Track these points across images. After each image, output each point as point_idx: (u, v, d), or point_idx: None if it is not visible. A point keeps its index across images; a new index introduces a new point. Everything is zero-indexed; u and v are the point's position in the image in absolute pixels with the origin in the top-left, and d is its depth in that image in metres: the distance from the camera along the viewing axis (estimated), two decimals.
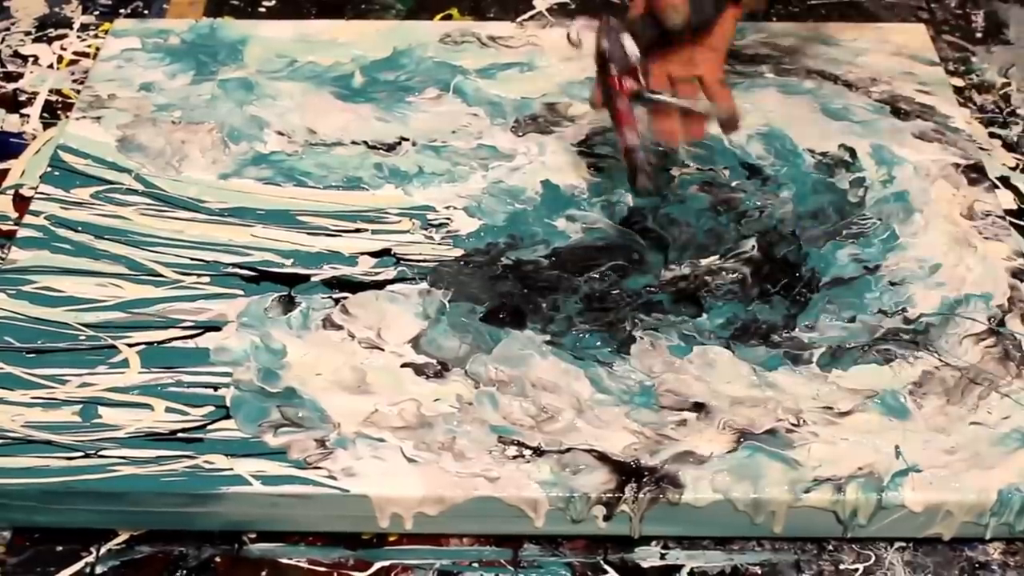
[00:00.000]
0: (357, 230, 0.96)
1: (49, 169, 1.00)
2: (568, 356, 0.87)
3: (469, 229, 0.96)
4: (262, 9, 1.22)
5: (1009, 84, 1.13)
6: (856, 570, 0.79)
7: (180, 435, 0.81)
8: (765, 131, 1.04)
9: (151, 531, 0.80)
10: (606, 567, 0.79)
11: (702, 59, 0.94)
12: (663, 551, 0.80)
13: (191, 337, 0.88)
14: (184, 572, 0.79)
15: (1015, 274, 0.92)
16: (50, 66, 1.15)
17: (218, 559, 0.80)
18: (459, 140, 1.04)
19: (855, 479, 0.79)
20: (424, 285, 0.92)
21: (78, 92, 1.09)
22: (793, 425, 0.82)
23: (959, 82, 1.13)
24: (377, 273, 0.93)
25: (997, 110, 1.10)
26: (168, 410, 0.83)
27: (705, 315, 0.90)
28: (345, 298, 0.90)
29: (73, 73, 1.13)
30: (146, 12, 1.22)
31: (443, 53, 1.12)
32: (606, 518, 0.79)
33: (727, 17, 0.94)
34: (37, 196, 0.98)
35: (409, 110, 1.07)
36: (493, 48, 1.13)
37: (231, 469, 0.79)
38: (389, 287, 0.92)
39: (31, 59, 1.15)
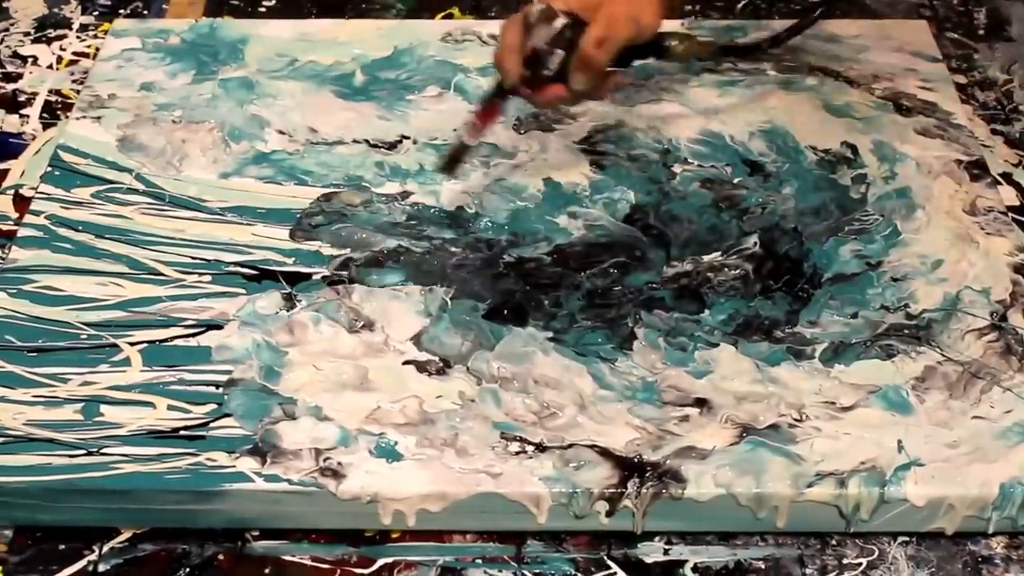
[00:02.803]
0: None
1: (49, 169, 1.00)
2: (570, 352, 0.86)
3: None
4: (262, 9, 1.22)
5: (1011, 81, 1.13)
6: (859, 564, 0.79)
7: (182, 433, 0.81)
8: (767, 128, 1.04)
9: (154, 529, 0.80)
10: (609, 563, 0.79)
11: None
12: (666, 546, 0.80)
13: (193, 336, 0.88)
14: (187, 570, 0.79)
15: (1017, 269, 0.92)
16: (49, 66, 1.15)
17: (221, 556, 0.79)
18: None
19: (857, 474, 0.79)
20: None
21: (78, 92, 1.09)
22: (796, 420, 0.82)
23: (961, 79, 1.13)
24: None
25: (999, 107, 1.10)
26: (170, 408, 0.83)
27: (707, 311, 0.90)
28: (347, 296, 0.90)
29: (73, 73, 1.13)
30: (146, 12, 1.21)
31: (444, 52, 1.12)
32: (609, 514, 0.79)
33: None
34: (37, 196, 0.98)
35: (410, 108, 1.07)
36: (494, 47, 1.12)
37: (233, 466, 0.79)
38: (391, 285, 0.91)
39: (30, 59, 1.15)
